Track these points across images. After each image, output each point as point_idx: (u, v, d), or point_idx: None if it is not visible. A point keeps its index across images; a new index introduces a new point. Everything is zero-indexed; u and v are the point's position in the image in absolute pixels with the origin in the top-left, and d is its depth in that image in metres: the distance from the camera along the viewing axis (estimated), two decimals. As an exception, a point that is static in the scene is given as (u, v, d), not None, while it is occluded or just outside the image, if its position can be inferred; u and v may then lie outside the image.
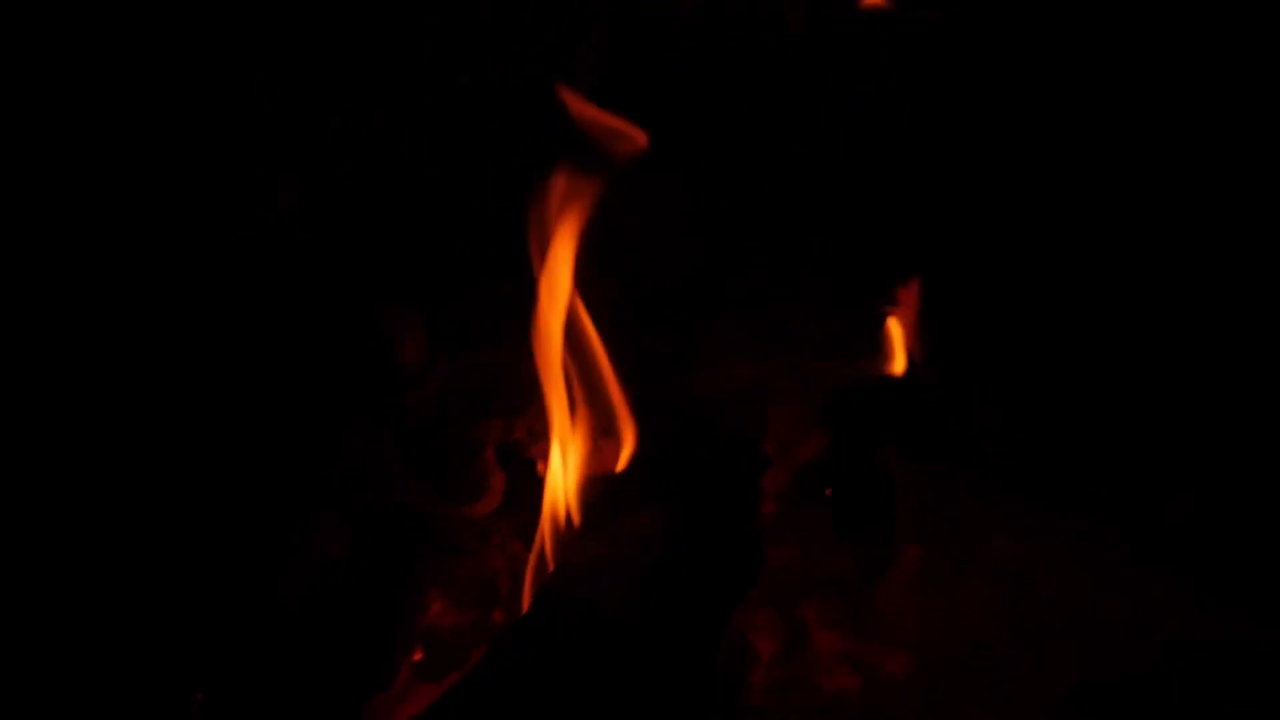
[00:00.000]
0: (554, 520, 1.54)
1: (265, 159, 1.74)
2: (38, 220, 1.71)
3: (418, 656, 1.61)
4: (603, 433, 1.54)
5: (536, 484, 1.58)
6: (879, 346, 1.70)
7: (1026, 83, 1.65)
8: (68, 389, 1.70)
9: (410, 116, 1.74)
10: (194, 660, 1.59)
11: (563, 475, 1.54)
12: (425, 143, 1.74)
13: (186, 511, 1.69)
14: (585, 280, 1.51)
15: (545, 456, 1.56)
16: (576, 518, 1.50)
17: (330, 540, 1.67)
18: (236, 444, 1.72)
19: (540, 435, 1.65)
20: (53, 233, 1.72)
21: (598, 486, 1.50)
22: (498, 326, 1.61)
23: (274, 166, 1.74)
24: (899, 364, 1.70)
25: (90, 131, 1.73)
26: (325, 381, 1.72)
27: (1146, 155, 1.67)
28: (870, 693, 1.60)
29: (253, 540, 1.68)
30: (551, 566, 1.51)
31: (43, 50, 1.71)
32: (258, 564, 1.67)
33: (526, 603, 1.55)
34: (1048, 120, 1.67)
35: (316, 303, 1.72)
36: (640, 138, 1.48)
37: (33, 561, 1.63)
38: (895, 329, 1.69)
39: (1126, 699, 1.55)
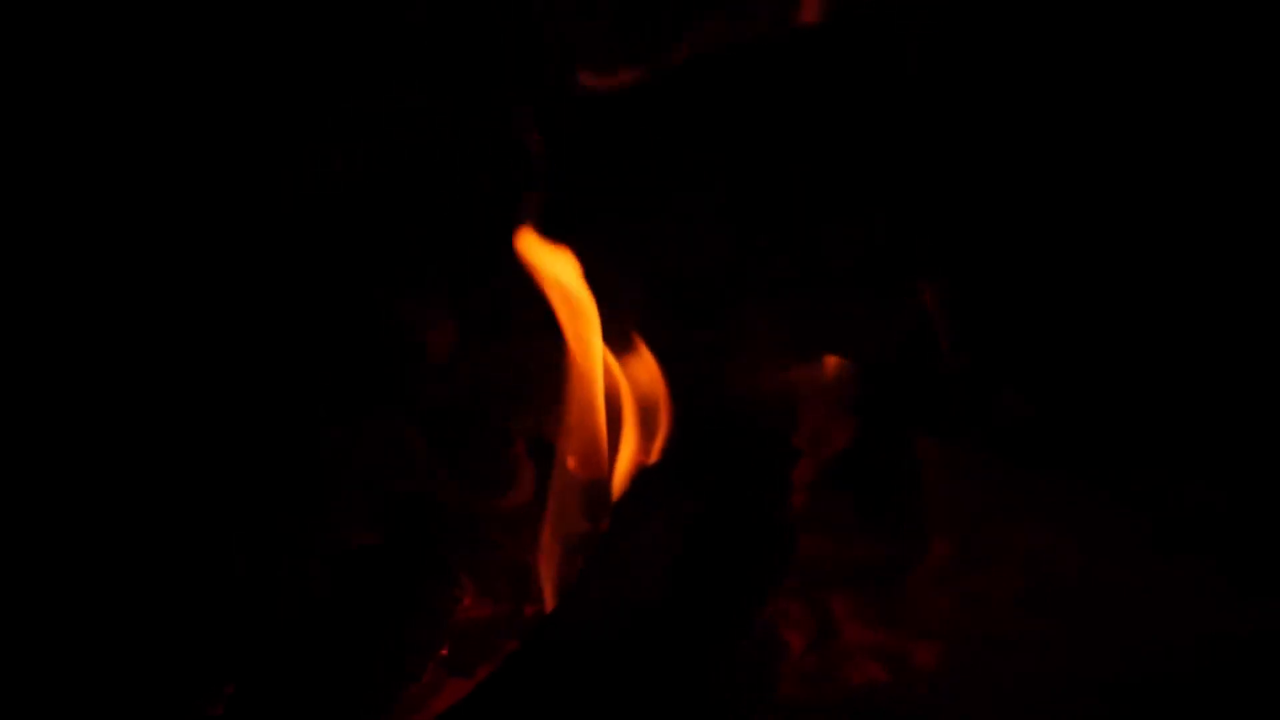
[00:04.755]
0: (583, 513, 1.55)
1: (308, 130, 1.74)
2: (77, 198, 1.72)
3: (445, 652, 1.61)
4: (633, 426, 1.54)
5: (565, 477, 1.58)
6: (906, 336, 1.69)
7: (1051, 72, 1.64)
8: (96, 379, 1.70)
9: (444, 100, 1.74)
10: (224, 652, 1.59)
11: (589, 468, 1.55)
12: (457, 127, 1.74)
13: (213, 501, 1.69)
14: (614, 273, 1.51)
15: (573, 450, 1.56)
16: (608, 510, 1.50)
17: (361, 530, 1.67)
18: (262, 432, 1.72)
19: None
20: (87, 210, 1.72)
21: (629, 479, 1.50)
22: (529, 317, 1.60)
23: (319, 136, 1.74)
24: (925, 355, 1.70)
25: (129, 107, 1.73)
26: (352, 370, 1.72)
27: (1175, 145, 1.66)
28: (900, 684, 1.60)
29: (280, 531, 1.68)
30: (582, 560, 1.51)
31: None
32: (286, 555, 1.67)
33: (556, 596, 1.55)
34: (1074, 108, 1.66)
35: (344, 289, 1.72)
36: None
37: (61, 555, 1.64)
38: (923, 319, 1.68)
39: (1157, 690, 1.54)
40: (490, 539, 1.69)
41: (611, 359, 1.53)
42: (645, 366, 1.53)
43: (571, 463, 1.57)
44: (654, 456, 1.52)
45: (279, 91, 1.76)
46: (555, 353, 1.55)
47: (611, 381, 1.54)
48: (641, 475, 1.48)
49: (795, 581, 1.64)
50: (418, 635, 1.58)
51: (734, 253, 1.61)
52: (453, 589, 1.62)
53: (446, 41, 1.77)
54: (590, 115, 1.62)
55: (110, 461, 1.70)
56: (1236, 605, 1.63)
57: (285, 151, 1.76)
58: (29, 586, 1.62)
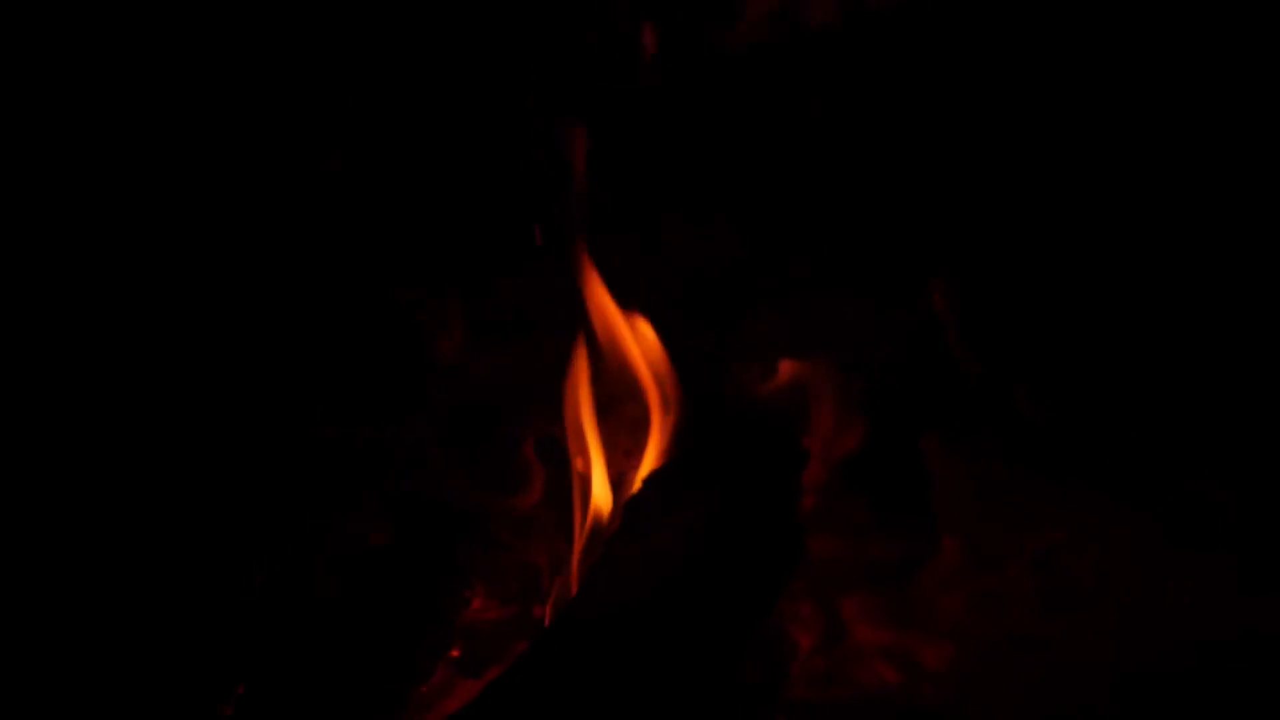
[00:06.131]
0: (595, 515, 1.54)
1: (314, 130, 1.74)
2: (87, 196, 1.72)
3: (455, 653, 1.61)
4: (644, 427, 1.54)
5: (577, 478, 1.58)
6: (915, 338, 1.69)
7: (1058, 74, 1.63)
8: (95, 387, 1.71)
9: (451, 99, 1.74)
10: (234, 652, 1.60)
11: (602, 471, 1.54)
12: (467, 127, 1.74)
13: (223, 502, 1.69)
14: (625, 275, 1.51)
15: (584, 452, 1.56)
16: (619, 512, 1.50)
17: (372, 530, 1.67)
18: (269, 433, 1.72)
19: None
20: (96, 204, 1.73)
21: (640, 481, 1.50)
22: (539, 319, 1.61)
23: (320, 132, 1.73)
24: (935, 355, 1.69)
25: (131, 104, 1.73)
26: (360, 370, 1.72)
27: (1179, 147, 1.65)
28: (911, 684, 1.60)
29: (291, 531, 1.68)
30: (593, 562, 1.51)
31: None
32: (296, 555, 1.67)
33: (568, 597, 1.55)
34: (1081, 109, 1.65)
35: (354, 291, 1.72)
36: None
37: (73, 555, 1.64)
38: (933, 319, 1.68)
39: (1170, 690, 1.54)
40: (500, 540, 1.69)
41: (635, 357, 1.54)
42: (658, 365, 1.53)
43: (580, 464, 1.57)
44: (664, 458, 1.52)
45: (283, 90, 1.76)
46: (565, 354, 1.56)
47: (629, 379, 1.54)
48: (651, 477, 1.48)
49: (805, 582, 1.64)
50: (427, 636, 1.59)
51: (745, 254, 1.60)
52: (462, 590, 1.63)
53: (460, 42, 1.77)
54: (601, 118, 1.62)
55: (121, 462, 1.70)
56: (1249, 604, 1.62)
57: (292, 152, 1.76)
58: (41, 588, 1.62)
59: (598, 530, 1.54)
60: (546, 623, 1.57)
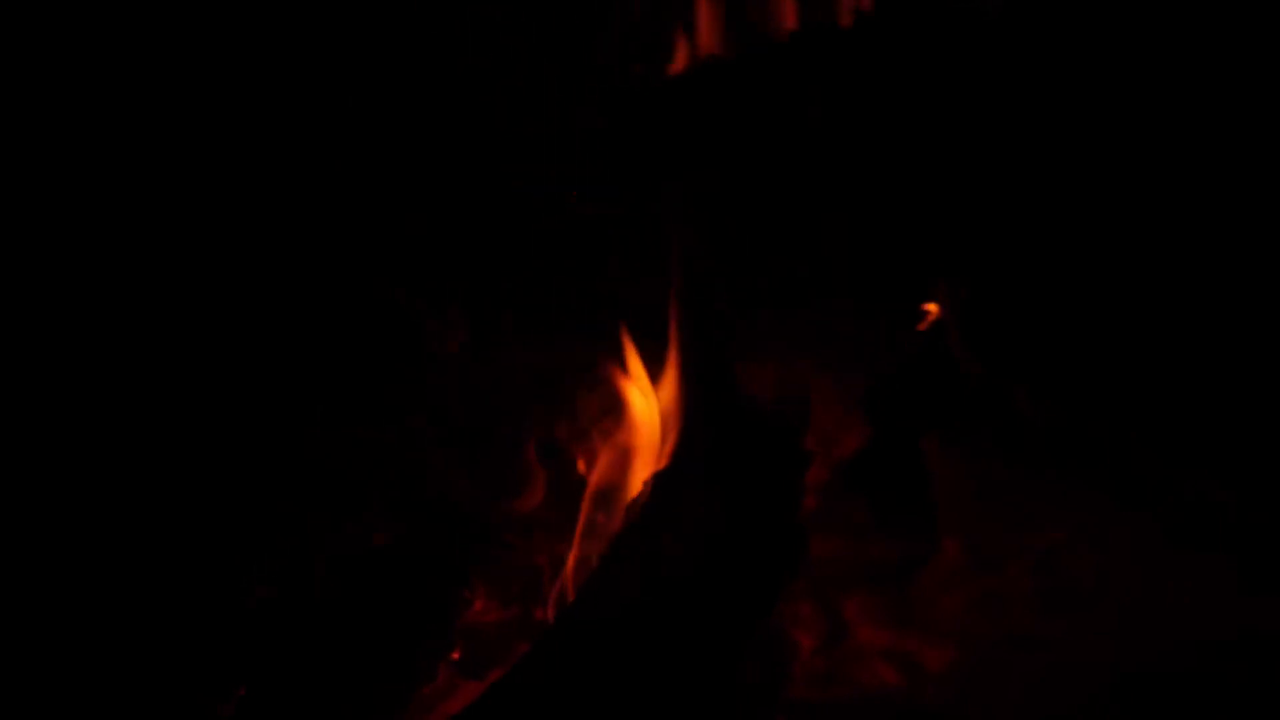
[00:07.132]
0: (596, 516, 1.54)
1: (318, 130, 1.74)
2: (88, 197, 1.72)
3: (456, 655, 1.61)
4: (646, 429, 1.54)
5: (579, 481, 1.58)
6: (919, 339, 1.69)
7: (1058, 77, 1.64)
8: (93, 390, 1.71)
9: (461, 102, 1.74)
10: (235, 652, 1.59)
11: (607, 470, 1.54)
12: (466, 126, 1.74)
13: (225, 503, 1.69)
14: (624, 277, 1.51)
15: (587, 454, 1.56)
16: (620, 512, 1.50)
17: (373, 530, 1.67)
18: (273, 433, 1.72)
19: (582, 433, 1.64)
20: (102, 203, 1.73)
21: (642, 483, 1.49)
22: (541, 319, 1.61)
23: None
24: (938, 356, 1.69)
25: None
26: (363, 371, 1.72)
27: (1178, 148, 1.65)
28: (911, 685, 1.59)
29: (293, 532, 1.68)
30: (594, 564, 1.51)
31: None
32: (297, 555, 1.67)
33: (569, 599, 1.55)
34: (1083, 112, 1.65)
35: (354, 291, 1.72)
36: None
37: (73, 555, 1.64)
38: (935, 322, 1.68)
39: (1172, 691, 1.54)
40: (502, 541, 1.69)
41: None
42: (660, 369, 1.53)
43: (581, 466, 1.57)
44: (665, 460, 1.52)
45: (284, 90, 1.76)
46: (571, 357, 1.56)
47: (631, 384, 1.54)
48: (653, 478, 1.48)
49: (805, 582, 1.64)
50: (428, 637, 1.59)
51: (746, 254, 1.60)
52: (464, 591, 1.63)
53: (460, 42, 1.77)
54: (608, 121, 1.62)
55: (121, 462, 1.70)
56: (1249, 604, 1.62)
57: (292, 152, 1.76)
58: (42, 588, 1.62)
59: (598, 532, 1.55)
60: (546, 626, 1.57)
